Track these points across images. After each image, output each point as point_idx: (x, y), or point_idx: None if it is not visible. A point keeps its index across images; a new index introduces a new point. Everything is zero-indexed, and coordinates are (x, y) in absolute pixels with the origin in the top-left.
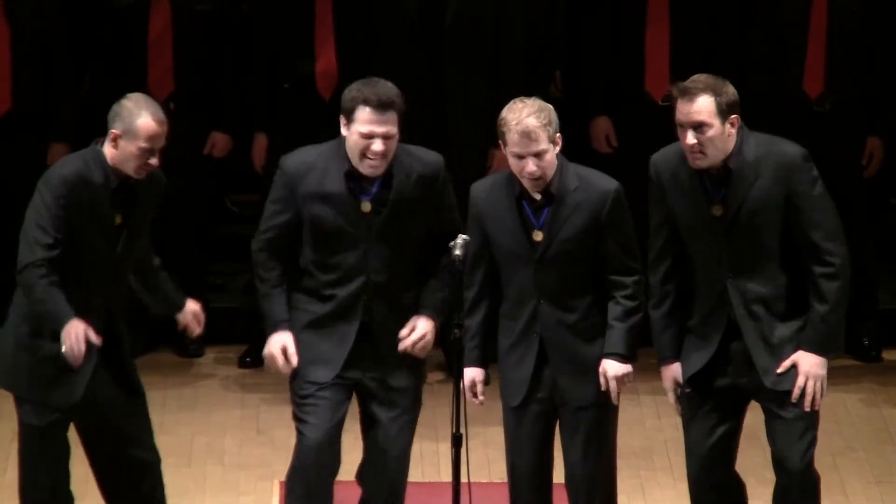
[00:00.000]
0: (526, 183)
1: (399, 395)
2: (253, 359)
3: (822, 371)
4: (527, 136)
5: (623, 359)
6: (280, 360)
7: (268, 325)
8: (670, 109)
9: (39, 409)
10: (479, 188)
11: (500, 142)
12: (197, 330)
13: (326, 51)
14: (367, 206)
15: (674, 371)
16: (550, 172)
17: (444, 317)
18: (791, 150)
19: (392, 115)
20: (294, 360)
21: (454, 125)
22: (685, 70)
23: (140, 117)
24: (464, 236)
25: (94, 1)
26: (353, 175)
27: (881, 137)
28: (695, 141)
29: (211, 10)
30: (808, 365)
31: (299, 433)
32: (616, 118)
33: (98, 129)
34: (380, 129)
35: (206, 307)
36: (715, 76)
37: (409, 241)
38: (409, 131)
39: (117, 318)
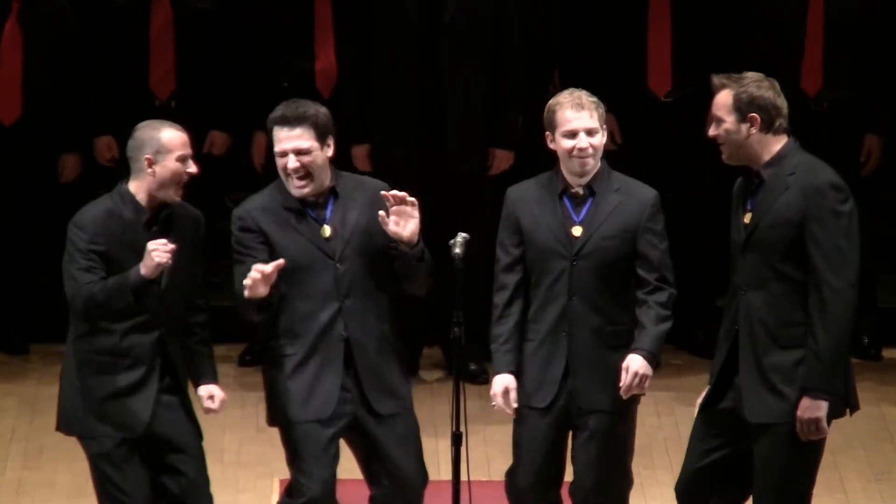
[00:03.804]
0: (574, 166)
1: (394, 420)
2: (252, 357)
3: (817, 414)
4: (581, 107)
5: (650, 357)
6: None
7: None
8: (673, 106)
9: (105, 440)
10: (515, 189)
11: (546, 133)
12: (209, 408)
13: (325, 49)
14: (326, 231)
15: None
16: (598, 159)
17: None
18: (824, 175)
19: (303, 131)
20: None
21: (452, 124)
22: (687, 68)
23: (163, 132)
24: (463, 234)
25: (94, 0)
26: (304, 203)
27: (879, 135)
28: (713, 132)
29: (211, 9)
30: (803, 409)
31: (298, 482)
32: (619, 116)
33: (98, 129)
34: (289, 146)
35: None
36: (764, 76)
37: (370, 261)
38: (409, 131)
39: (175, 358)
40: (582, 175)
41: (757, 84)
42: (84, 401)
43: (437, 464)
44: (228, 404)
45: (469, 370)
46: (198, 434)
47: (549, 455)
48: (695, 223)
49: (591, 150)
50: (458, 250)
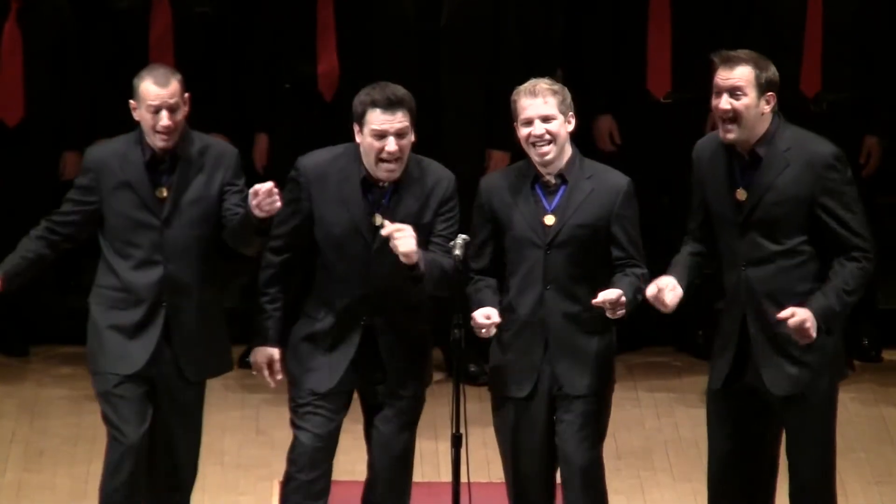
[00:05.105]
0: (535, 156)
1: (400, 400)
2: None
3: (811, 333)
4: (534, 94)
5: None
6: (266, 372)
7: (258, 337)
8: (672, 107)
9: (106, 377)
10: (489, 178)
11: (514, 124)
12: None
13: (328, 52)
14: (378, 219)
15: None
16: (561, 144)
17: (429, 267)
18: (825, 149)
19: (403, 114)
20: (278, 376)
21: (451, 126)
22: (686, 69)
23: (142, 82)
24: (463, 236)
25: (95, 3)
26: (366, 183)
27: (878, 137)
28: (728, 106)
29: (211, 12)
30: (809, 317)
31: (295, 438)
32: (618, 117)
33: (99, 132)
34: (392, 127)
35: None
36: (760, 54)
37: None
38: None
39: (183, 300)
40: (544, 164)
41: (767, 62)
42: (93, 336)
43: (437, 465)
44: (228, 406)
45: (469, 372)
46: (188, 383)
47: (540, 445)
48: None
49: (547, 137)
50: (458, 252)
